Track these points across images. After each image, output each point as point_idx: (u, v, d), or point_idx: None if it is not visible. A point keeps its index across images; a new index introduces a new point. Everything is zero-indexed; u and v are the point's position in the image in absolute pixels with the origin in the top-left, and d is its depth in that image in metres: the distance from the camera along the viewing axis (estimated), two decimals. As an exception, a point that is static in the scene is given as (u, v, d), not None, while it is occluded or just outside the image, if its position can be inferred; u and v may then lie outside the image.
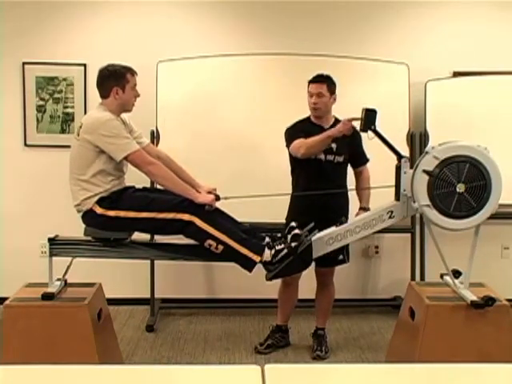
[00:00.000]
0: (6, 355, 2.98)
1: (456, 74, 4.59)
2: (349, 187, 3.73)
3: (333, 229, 3.23)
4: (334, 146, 3.63)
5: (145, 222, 3.03)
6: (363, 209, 3.63)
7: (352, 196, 3.74)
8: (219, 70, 4.38)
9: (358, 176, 3.77)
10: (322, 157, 3.65)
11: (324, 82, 3.63)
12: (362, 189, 3.70)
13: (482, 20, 4.62)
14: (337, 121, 3.71)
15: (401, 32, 4.64)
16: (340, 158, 3.66)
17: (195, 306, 4.69)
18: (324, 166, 3.66)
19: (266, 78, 4.38)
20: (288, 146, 3.66)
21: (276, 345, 3.93)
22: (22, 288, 3.28)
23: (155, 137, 4.29)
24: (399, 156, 3.20)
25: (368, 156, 3.75)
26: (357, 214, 3.57)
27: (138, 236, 3.27)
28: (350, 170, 3.79)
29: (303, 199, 3.71)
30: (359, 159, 3.74)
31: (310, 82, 3.66)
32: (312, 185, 3.67)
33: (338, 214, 3.50)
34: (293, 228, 3.16)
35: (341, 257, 3.66)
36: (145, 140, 3.37)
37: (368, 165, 3.77)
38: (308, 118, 3.74)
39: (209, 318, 4.53)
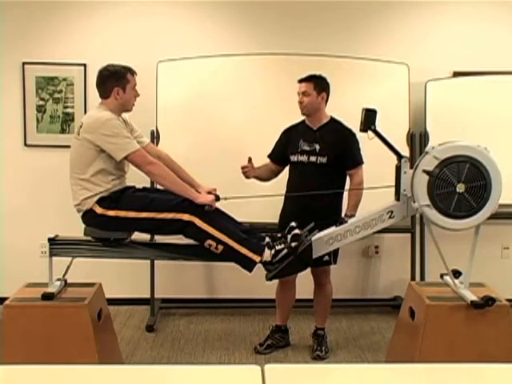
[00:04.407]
0: (6, 355, 2.97)
1: (456, 74, 4.59)
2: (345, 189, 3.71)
3: (333, 229, 3.23)
4: (317, 147, 3.65)
5: (145, 222, 3.03)
6: (347, 216, 3.51)
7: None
8: (219, 69, 4.38)
9: (350, 180, 3.71)
10: (305, 158, 3.68)
11: (310, 81, 3.67)
12: (349, 195, 3.66)
13: (481, 20, 4.62)
14: (332, 121, 3.73)
15: (401, 32, 4.64)
16: (323, 159, 3.64)
17: (195, 305, 4.68)
18: (306, 168, 3.68)
19: (266, 77, 4.38)
20: None
21: (276, 345, 3.93)
22: (22, 288, 3.28)
23: (155, 137, 4.29)
24: (399, 156, 3.19)
25: (362, 160, 3.66)
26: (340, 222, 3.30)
27: (137, 236, 3.27)
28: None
29: (287, 201, 3.77)
30: (346, 162, 3.66)
31: (298, 81, 3.71)
32: (295, 186, 3.71)
33: (322, 215, 3.48)
34: (293, 228, 3.16)
35: (326, 258, 3.57)
36: (145, 140, 3.37)
37: (364, 169, 3.67)
38: (304, 120, 3.78)
39: (209, 318, 4.53)
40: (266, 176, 3.83)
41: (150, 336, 4.18)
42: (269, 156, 3.86)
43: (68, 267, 3.22)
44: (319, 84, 3.67)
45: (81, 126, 3.10)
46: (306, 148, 3.69)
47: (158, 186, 3.30)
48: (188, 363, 3.70)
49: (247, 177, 3.72)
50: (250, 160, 3.67)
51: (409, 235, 4.59)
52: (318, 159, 3.66)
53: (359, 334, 4.25)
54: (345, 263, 4.42)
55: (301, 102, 3.68)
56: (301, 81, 3.69)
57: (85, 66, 4.51)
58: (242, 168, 3.68)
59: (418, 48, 4.61)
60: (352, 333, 4.28)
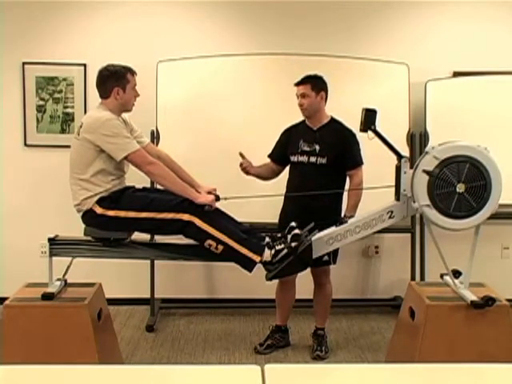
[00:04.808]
0: (6, 355, 2.97)
1: (456, 74, 4.59)
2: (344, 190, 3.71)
3: (333, 229, 3.23)
4: (317, 147, 3.65)
5: (145, 222, 3.03)
6: (346, 217, 3.47)
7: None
8: (219, 69, 4.38)
9: (349, 180, 3.70)
10: (305, 159, 3.68)
11: (307, 83, 3.66)
12: (349, 195, 3.66)
13: (481, 20, 4.62)
14: (332, 121, 3.73)
15: (401, 32, 4.64)
16: (323, 160, 3.64)
17: (195, 305, 4.68)
18: (306, 168, 3.68)
19: (266, 78, 4.38)
20: None
21: (276, 345, 3.93)
22: (22, 288, 3.28)
23: (155, 137, 4.29)
24: (399, 156, 3.19)
25: (362, 161, 3.66)
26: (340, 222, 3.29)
27: (137, 236, 3.27)
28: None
29: (287, 201, 3.77)
30: (346, 162, 3.66)
31: (295, 84, 3.70)
32: (295, 186, 3.71)
33: (322, 215, 3.47)
34: (293, 228, 3.16)
35: (326, 258, 3.56)
36: (145, 140, 3.37)
37: (364, 169, 3.67)
38: (304, 120, 3.78)
39: (209, 318, 4.53)
40: (267, 175, 3.84)
41: (150, 336, 4.18)
42: (269, 156, 3.86)
43: (68, 267, 3.22)
44: (317, 84, 3.67)
45: (81, 126, 3.10)
46: (306, 148, 3.69)
47: (158, 186, 3.30)
48: (188, 363, 3.70)
49: (247, 172, 3.72)
50: (241, 155, 3.68)
51: (409, 235, 4.59)
52: (317, 160, 3.66)
53: (359, 334, 4.25)
54: (345, 263, 4.42)
55: (301, 105, 3.68)
56: (298, 84, 3.68)
57: (85, 66, 4.51)
58: (240, 165, 3.69)
59: (418, 48, 4.61)
60: (352, 333, 4.28)
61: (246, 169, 3.72)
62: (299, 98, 3.68)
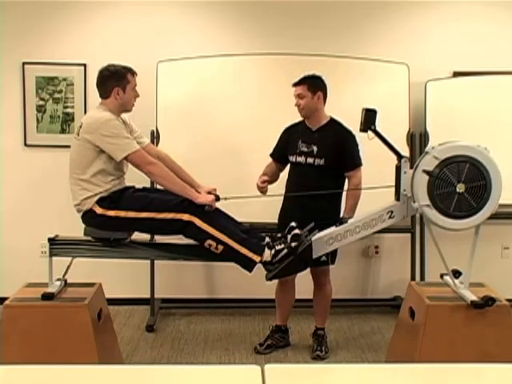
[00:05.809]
0: (6, 355, 2.97)
1: (456, 74, 4.59)
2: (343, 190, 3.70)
3: (333, 229, 3.23)
4: (315, 148, 3.64)
5: (145, 222, 3.04)
6: (344, 218, 3.43)
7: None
8: (219, 70, 4.38)
9: (348, 182, 3.69)
10: (303, 159, 3.67)
11: (304, 83, 3.65)
12: (347, 197, 3.65)
13: (482, 20, 4.62)
14: (332, 122, 3.72)
15: (401, 32, 4.63)
16: (321, 161, 3.63)
17: (195, 305, 4.68)
18: (304, 169, 3.68)
19: (266, 77, 4.38)
20: None
21: (276, 345, 3.93)
22: (22, 288, 3.28)
23: (155, 137, 4.29)
24: (399, 156, 3.19)
25: (361, 162, 3.64)
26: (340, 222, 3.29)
27: (137, 236, 3.27)
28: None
29: (286, 200, 3.76)
30: (343, 164, 3.64)
31: (292, 85, 3.70)
32: (294, 186, 3.71)
33: (321, 215, 3.46)
34: (293, 228, 3.16)
35: (323, 258, 3.52)
36: (145, 140, 3.37)
37: (364, 169, 3.65)
38: (304, 120, 3.77)
39: (209, 318, 4.53)
40: (274, 178, 3.82)
41: (150, 336, 4.18)
42: (271, 155, 3.86)
43: (68, 267, 3.22)
44: (313, 84, 3.66)
45: (80, 126, 3.10)
46: (304, 149, 3.68)
47: (158, 186, 3.30)
48: (188, 363, 3.70)
49: (263, 193, 3.70)
50: (264, 181, 3.68)
51: (409, 235, 4.59)
52: (315, 161, 3.65)
53: (359, 334, 4.25)
54: (345, 263, 4.43)
55: (298, 106, 3.68)
56: (295, 84, 3.68)
57: (85, 66, 4.51)
58: (262, 185, 3.67)
59: (417, 48, 4.60)
60: (352, 333, 4.28)
61: (263, 189, 3.69)
62: (296, 98, 3.68)
